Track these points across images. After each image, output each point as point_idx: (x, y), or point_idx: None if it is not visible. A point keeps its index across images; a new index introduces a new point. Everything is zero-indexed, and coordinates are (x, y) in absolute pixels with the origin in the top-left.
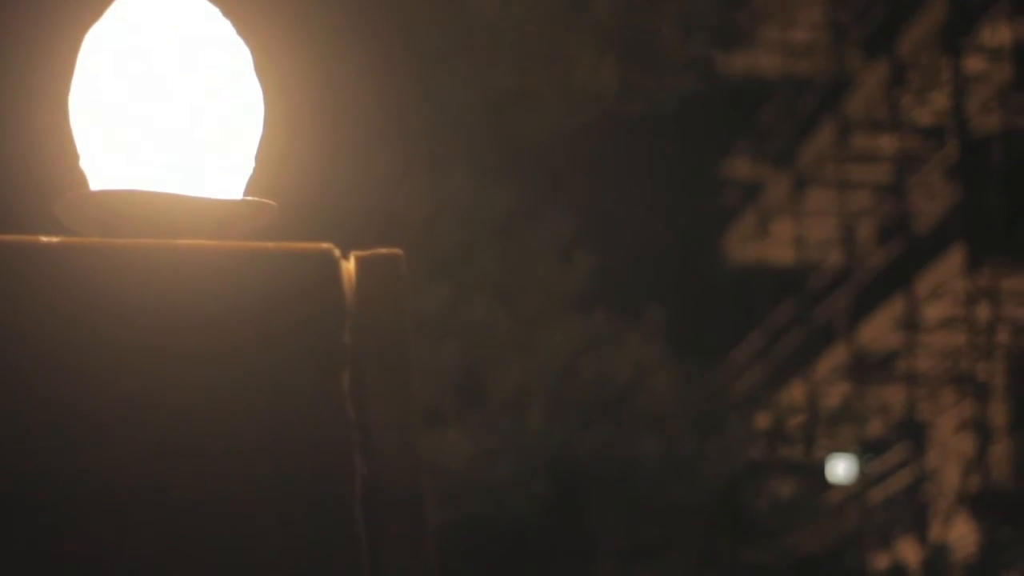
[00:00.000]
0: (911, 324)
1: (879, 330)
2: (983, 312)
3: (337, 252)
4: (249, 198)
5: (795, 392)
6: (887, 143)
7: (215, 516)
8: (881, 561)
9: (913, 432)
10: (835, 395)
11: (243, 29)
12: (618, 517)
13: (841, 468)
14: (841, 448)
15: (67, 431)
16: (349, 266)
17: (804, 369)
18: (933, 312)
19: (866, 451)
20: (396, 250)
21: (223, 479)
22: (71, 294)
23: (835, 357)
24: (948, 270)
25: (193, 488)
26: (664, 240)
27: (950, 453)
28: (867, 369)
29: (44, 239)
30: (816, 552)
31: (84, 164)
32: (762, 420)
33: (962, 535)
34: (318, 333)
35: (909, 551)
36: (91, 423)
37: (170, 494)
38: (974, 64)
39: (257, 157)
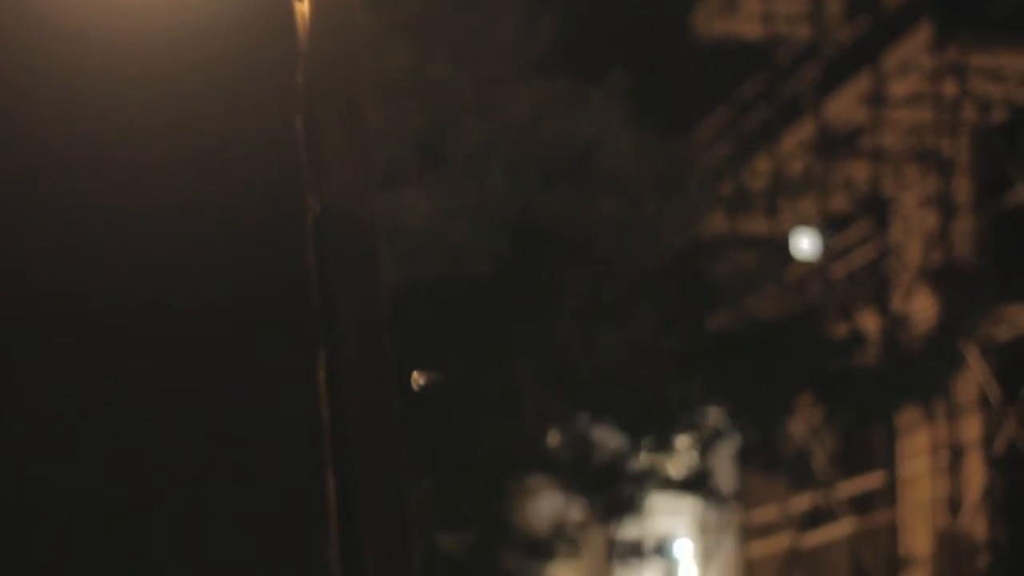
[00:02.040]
0: (877, 100)
1: (845, 105)
2: (949, 88)
3: None
4: None
5: (760, 166)
6: None
7: (158, 245)
8: (841, 330)
9: (877, 207)
10: (800, 169)
11: None
12: (578, 278)
13: (805, 243)
14: (805, 222)
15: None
16: (303, 6)
17: (770, 144)
18: (899, 88)
19: (830, 226)
20: None
21: (167, 212)
22: (19, 21)
23: (801, 132)
24: (915, 46)
25: (139, 218)
26: (631, 10)
27: (913, 228)
28: (832, 144)
29: None
30: (777, 321)
31: None
32: (726, 189)
33: (923, 308)
34: (271, 73)
35: (869, 322)
36: (38, 146)
37: (115, 224)
38: None
39: None
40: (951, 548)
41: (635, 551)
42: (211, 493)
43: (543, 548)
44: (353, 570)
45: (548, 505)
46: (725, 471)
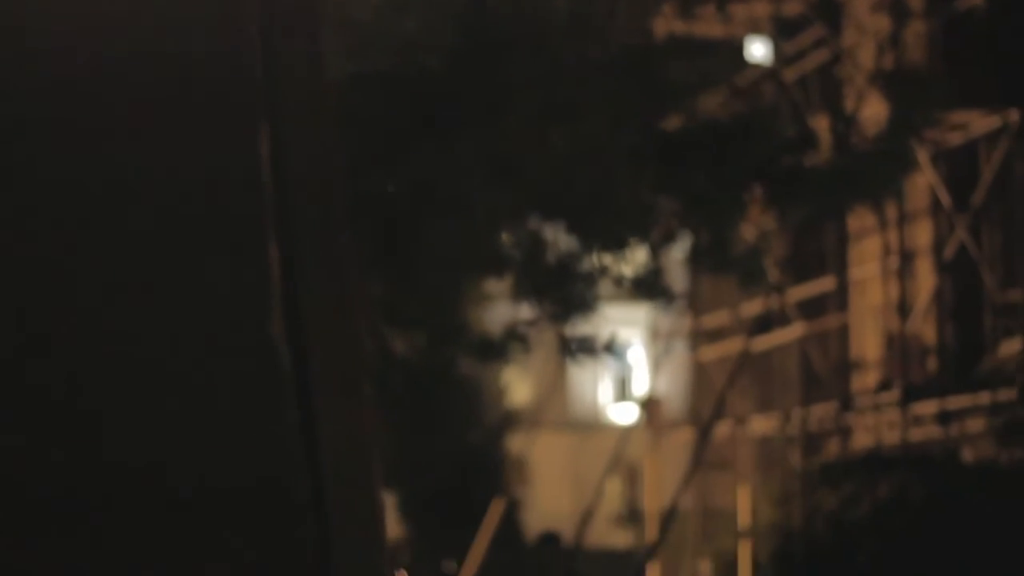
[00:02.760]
0: None
1: None
2: None
3: None
4: None
5: None
6: None
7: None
8: (791, 131)
9: (829, 11)
10: None
11: None
12: (529, 75)
13: (758, 48)
14: (758, 28)
15: None
16: None
17: None
18: None
19: (783, 31)
20: None
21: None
22: None
23: None
24: None
25: None
26: None
27: (865, 32)
28: None
29: None
30: (729, 121)
31: None
32: None
33: (874, 112)
34: None
35: (821, 126)
36: None
37: None
38: None
39: None
40: (900, 351)
41: (586, 347)
42: (155, 260)
43: (495, 348)
44: (298, 347)
45: (501, 312)
46: (677, 276)
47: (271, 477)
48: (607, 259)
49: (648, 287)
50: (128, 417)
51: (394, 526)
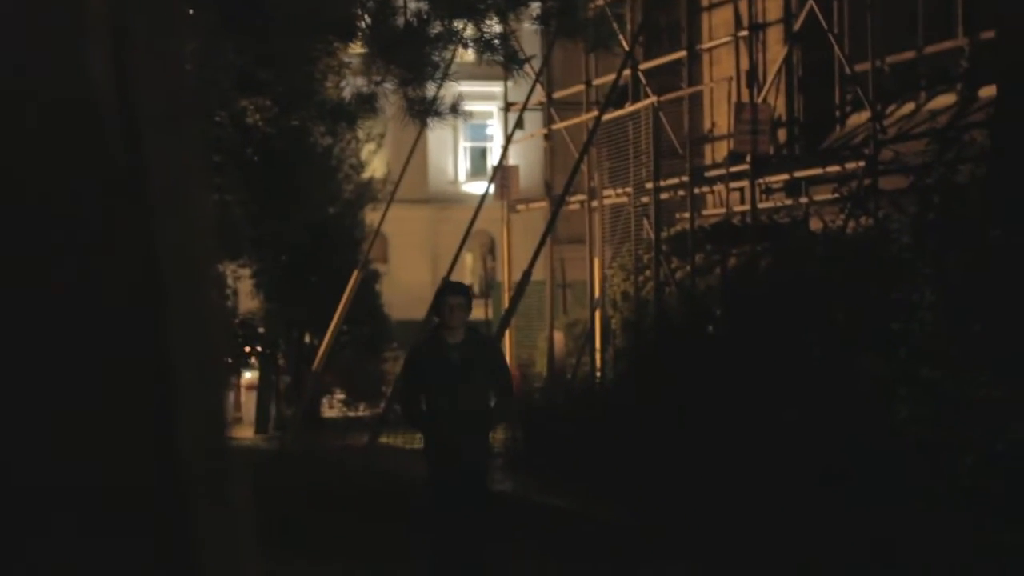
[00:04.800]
0: None
1: None
2: None
3: None
4: None
5: None
6: None
7: None
8: None
9: None
10: None
11: None
12: None
13: None
14: None
15: None
16: None
17: None
18: None
19: None
20: None
21: None
22: None
23: None
24: None
25: None
26: None
27: None
28: None
29: None
30: None
31: None
32: None
33: None
34: None
35: None
36: None
37: None
38: None
39: None
40: (751, 122)
41: (431, 107)
42: None
43: (345, 112)
44: (123, 87)
45: (352, 81)
46: (531, 46)
47: (101, 210)
48: (456, 24)
49: (497, 50)
50: None
51: (251, 300)
